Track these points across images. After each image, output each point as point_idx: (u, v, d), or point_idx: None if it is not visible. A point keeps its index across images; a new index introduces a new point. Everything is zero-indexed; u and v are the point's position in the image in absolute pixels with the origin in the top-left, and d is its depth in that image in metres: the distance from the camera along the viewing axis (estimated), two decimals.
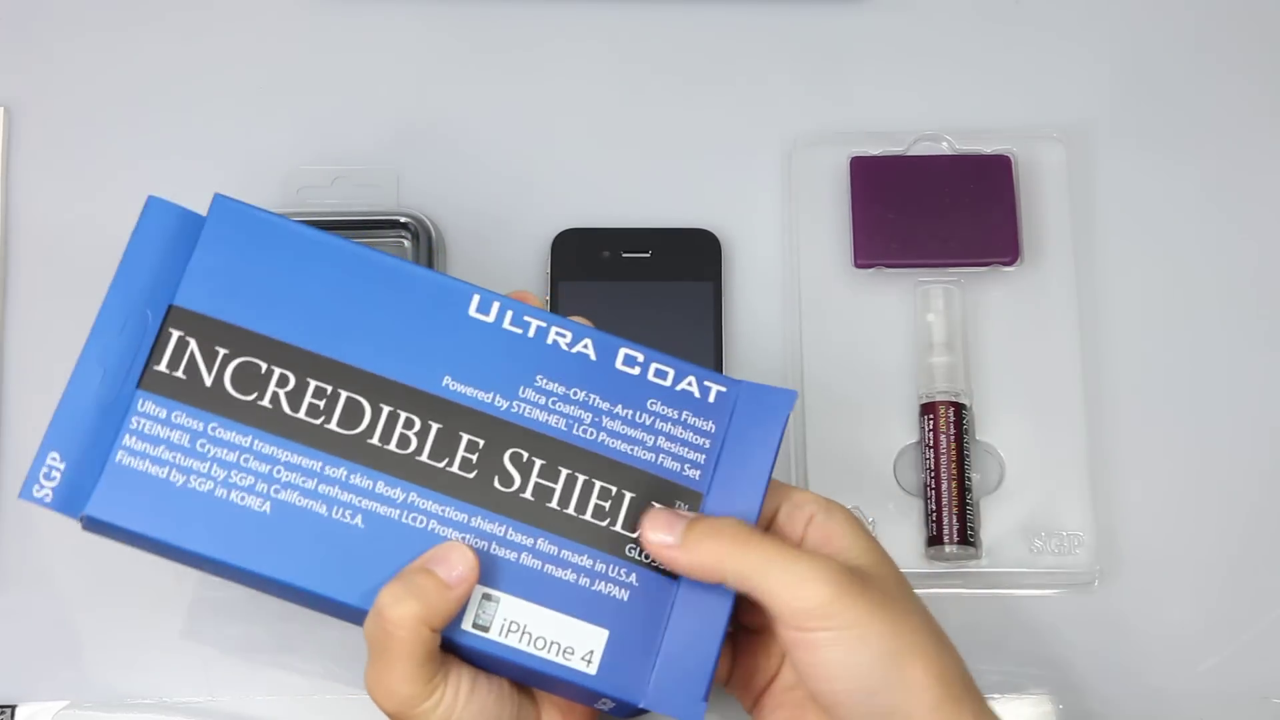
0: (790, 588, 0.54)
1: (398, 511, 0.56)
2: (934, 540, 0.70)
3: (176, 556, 0.56)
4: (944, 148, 0.76)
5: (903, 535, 0.71)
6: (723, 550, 0.55)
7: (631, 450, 0.57)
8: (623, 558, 0.56)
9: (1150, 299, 0.75)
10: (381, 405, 0.56)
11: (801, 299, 0.74)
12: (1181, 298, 0.75)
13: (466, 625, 0.55)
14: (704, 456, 0.57)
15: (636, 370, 0.58)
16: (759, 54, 0.78)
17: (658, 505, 0.57)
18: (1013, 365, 0.73)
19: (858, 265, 0.75)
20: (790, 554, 0.55)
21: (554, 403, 0.57)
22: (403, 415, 0.56)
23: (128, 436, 0.55)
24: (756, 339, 0.74)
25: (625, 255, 0.74)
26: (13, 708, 0.70)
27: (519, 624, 0.56)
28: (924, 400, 0.72)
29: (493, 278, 0.71)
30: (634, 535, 0.56)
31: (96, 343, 0.56)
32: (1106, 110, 0.77)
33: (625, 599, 0.56)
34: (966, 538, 0.70)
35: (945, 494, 0.70)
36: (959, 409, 0.71)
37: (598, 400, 0.58)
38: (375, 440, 0.56)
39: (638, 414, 0.58)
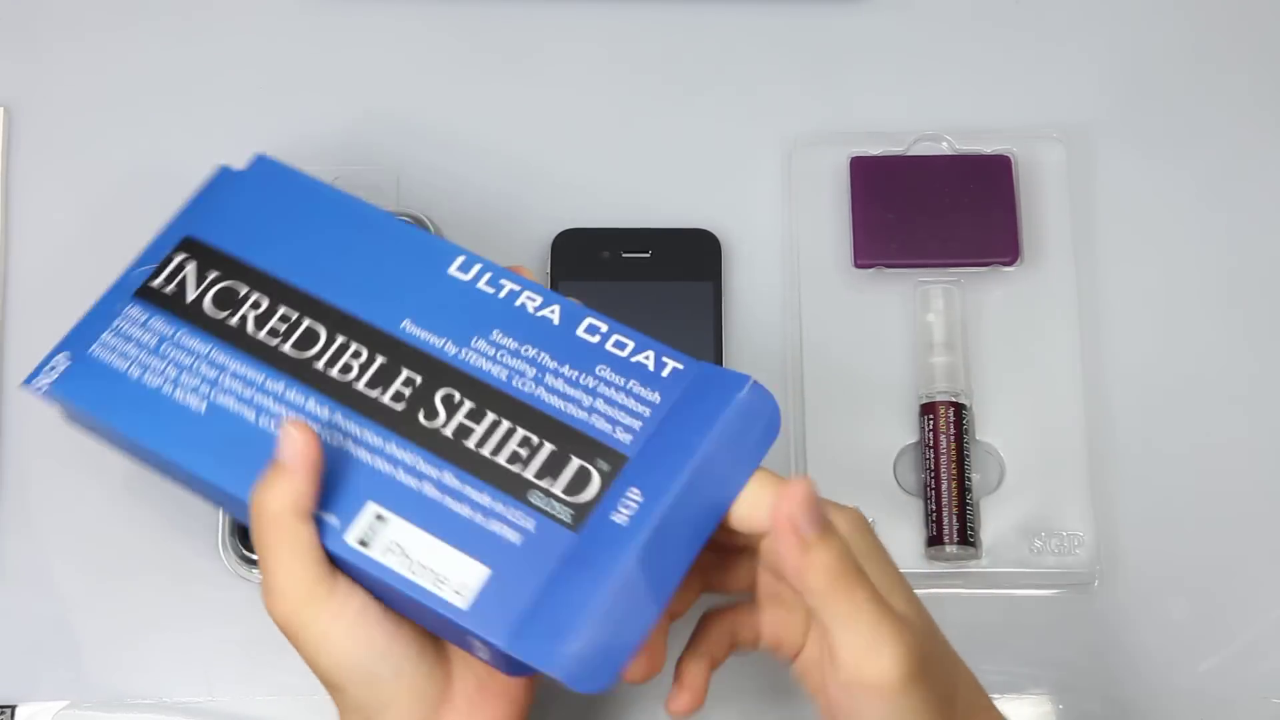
0: (863, 652, 0.54)
1: (320, 428, 0.58)
2: (934, 540, 0.70)
3: (119, 442, 0.62)
4: (944, 148, 0.76)
5: (903, 535, 0.71)
6: (835, 573, 0.54)
7: (564, 406, 0.58)
8: (524, 502, 0.56)
9: (1150, 299, 0.75)
10: (337, 335, 0.60)
11: (801, 299, 0.74)
12: (1181, 297, 0.75)
13: (350, 539, 0.56)
14: (640, 424, 0.58)
15: (596, 339, 0.59)
16: (759, 55, 0.78)
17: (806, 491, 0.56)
18: (1013, 365, 0.73)
19: (858, 265, 0.75)
20: (878, 612, 0.54)
21: (502, 355, 0.59)
22: (353, 346, 0.60)
23: (107, 334, 0.62)
24: (756, 339, 0.74)
25: (625, 255, 0.74)
26: (13, 708, 0.70)
27: (401, 546, 0.56)
28: (924, 400, 0.72)
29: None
30: (542, 484, 0.57)
31: (126, 274, 0.63)
32: (1106, 110, 0.78)
33: (517, 542, 0.56)
34: (966, 538, 0.70)
35: (945, 494, 0.70)
36: (959, 409, 0.71)
37: (546, 358, 0.59)
38: (320, 365, 0.60)
39: (583, 376, 0.59)
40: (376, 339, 0.60)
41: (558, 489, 0.57)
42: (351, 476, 0.58)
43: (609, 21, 0.79)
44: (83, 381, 0.61)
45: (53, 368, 0.62)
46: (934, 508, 0.70)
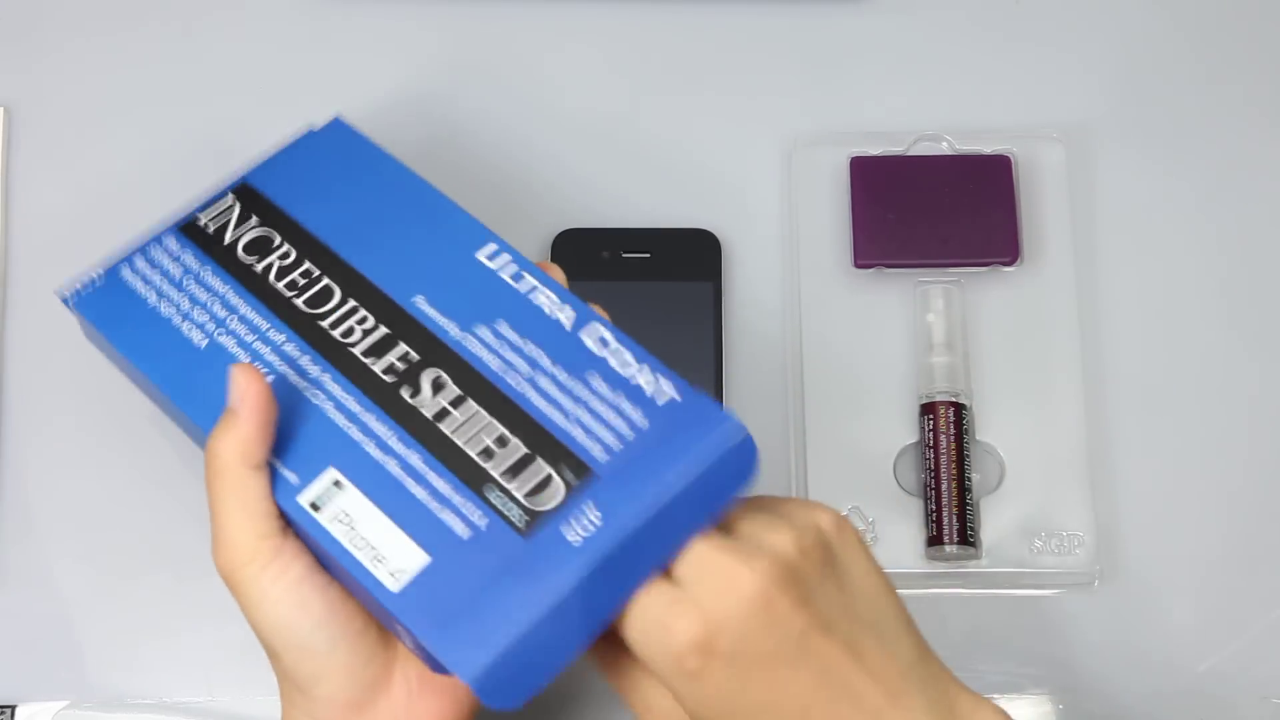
0: None
1: (305, 384, 0.59)
2: (934, 540, 0.70)
3: (123, 367, 0.63)
4: (944, 148, 0.76)
5: (903, 535, 0.71)
6: None
7: (548, 409, 0.57)
8: (481, 497, 0.56)
9: (1150, 299, 0.75)
10: (349, 299, 0.61)
11: (801, 299, 0.74)
12: (1181, 297, 0.75)
13: (303, 499, 0.56)
14: (620, 444, 0.56)
15: (599, 349, 0.58)
16: (759, 54, 0.78)
17: None
18: (1013, 365, 0.73)
19: (858, 265, 0.75)
20: None
21: (501, 347, 0.59)
22: (361, 312, 0.60)
23: (139, 258, 0.63)
24: (756, 339, 0.74)
25: (625, 255, 0.74)
26: (13, 708, 0.70)
27: (350, 517, 0.56)
28: (924, 400, 0.72)
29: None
30: (505, 482, 0.56)
31: (186, 211, 0.65)
32: (1106, 110, 0.78)
33: (464, 536, 0.55)
34: (966, 538, 0.70)
35: (945, 494, 0.70)
36: (959, 409, 0.71)
37: (543, 357, 0.58)
38: (326, 324, 0.60)
39: (573, 382, 0.58)
40: (386, 308, 0.60)
41: (518, 490, 0.55)
42: (322, 438, 0.57)
43: (609, 21, 0.79)
44: (103, 299, 0.62)
45: (85, 282, 0.63)
46: (934, 508, 0.70)
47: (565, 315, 0.59)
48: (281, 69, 0.78)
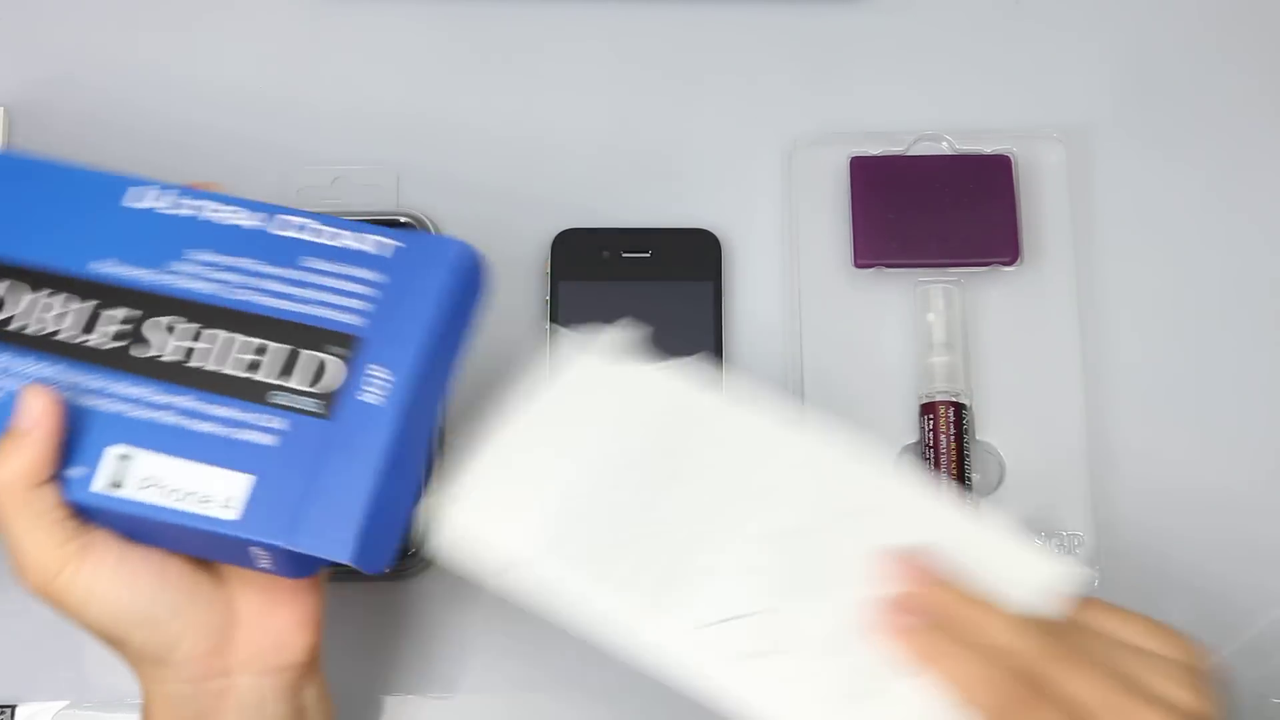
0: None
1: (44, 384, 0.57)
2: None
3: None
4: (944, 148, 0.76)
5: None
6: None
7: (283, 305, 0.58)
8: (267, 405, 0.56)
9: (1150, 299, 0.75)
10: (25, 293, 0.59)
11: (801, 299, 0.74)
12: (1181, 297, 0.75)
13: (98, 486, 0.56)
14: (369, 305, 0.58)
15: (296, 233, 0.59)
16: (759, 54, 0.78)
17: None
18: (1013, 365, 0.73)
19: (858, 265, 0.75)
20: None
21: (205, 271, 0.59)
22: (50, 299, 0.59)
23: None
24: (756, 339, 0.74)
25: (625, 255, 0.74)
26: (13, 708, 0.70)
27: (154, 478, 0.56)
28: (924, 400, 0.72)
29: (493, 278, 0.71)
30: (282, 382, 0.57)
31: None
32: (1106, 110, 0.77)
33: (273, 444, 0.56)
34: None
35: None
36: (959, 409, 0.71)
37: (250, 263, 0.59)
38: (20, 323, 0.59)
39: (293, 271, 0.59)
40: (69, 285, 0.59)
41: (298, 384, 0.57)
42: (85, 425, 0.57)
43: (609, 21, 0.79)
44: None
45: None
46: None
47: (247, 218, 0.60)
48: (282, 69, 0.78)
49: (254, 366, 0.57)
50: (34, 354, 0.58)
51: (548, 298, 0.74)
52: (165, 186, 0.61)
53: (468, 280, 0.59)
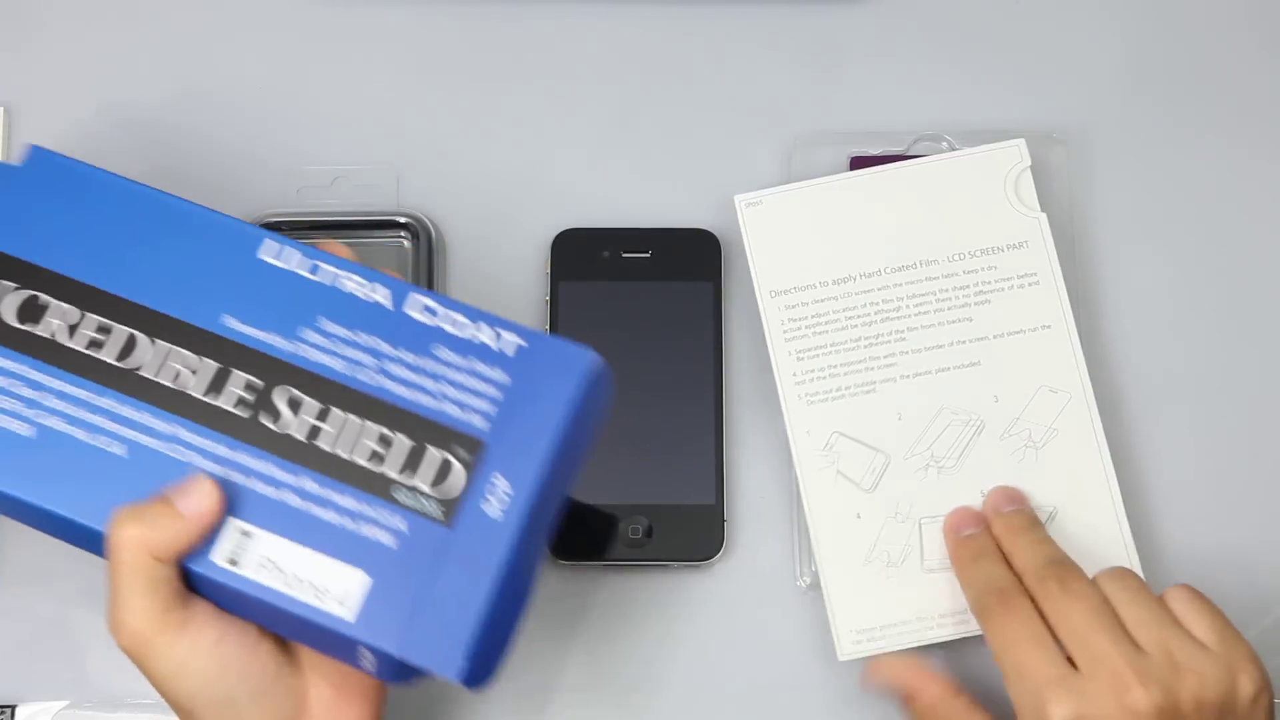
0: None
1: (162, 444, 0.56)
2: None
3: None
4: (944, 148, 0.76)
5: None
6: None
7: (412, 395, 0.56)
8: (390, 501, 0.55)
9: (1150, 298, 0.75)
10: (157, 340, 0.57)
11: None
12: (1181, 297, 0.75)
13: (218, 559, 0.55)
14: (494, 407, 0.56)
15: (428, 318, 0.57)
16: (759, 55, 0.78)
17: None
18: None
19: None
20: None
21: (336, 345, 0.57)
22: (178, 350, 0.57)
23: None
24: (757, 339, 0.74)
25: (625, 255, 0.74)
26: (13, 708, 0.70)
27: (274, 561, 0.54)
28: None
29: (493, 278, 0.72)
30: (406, 480, 0.55)
31: None
32: (1107, 111, 0.77)
33: (393, 545, 0.54)
34: None
35: None
36: None
37: (382, 344, 0.57)
38: (148, 374, 0.56)
39: (423, 360, 0.57)
40: (199, 339, 0.57)
41: (422, 484, 0.55)
42: None
43: (609, 21, 0.79)
44: None
45: None
46: None
47: (381, 294, 0.58)
48: (282, 69, 0.78)
49: (378, 458, 0.55)
50: (153, 407, 0.56)
51: (548, 298, 0.74)
52: (299, 245, 0.58)
53: (593, 391, 0.57)
